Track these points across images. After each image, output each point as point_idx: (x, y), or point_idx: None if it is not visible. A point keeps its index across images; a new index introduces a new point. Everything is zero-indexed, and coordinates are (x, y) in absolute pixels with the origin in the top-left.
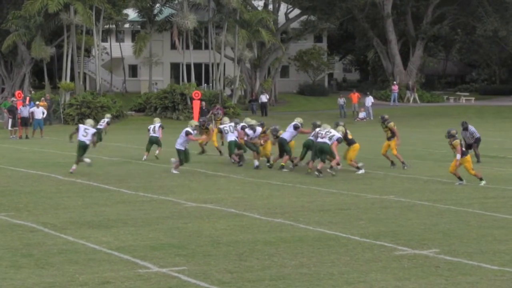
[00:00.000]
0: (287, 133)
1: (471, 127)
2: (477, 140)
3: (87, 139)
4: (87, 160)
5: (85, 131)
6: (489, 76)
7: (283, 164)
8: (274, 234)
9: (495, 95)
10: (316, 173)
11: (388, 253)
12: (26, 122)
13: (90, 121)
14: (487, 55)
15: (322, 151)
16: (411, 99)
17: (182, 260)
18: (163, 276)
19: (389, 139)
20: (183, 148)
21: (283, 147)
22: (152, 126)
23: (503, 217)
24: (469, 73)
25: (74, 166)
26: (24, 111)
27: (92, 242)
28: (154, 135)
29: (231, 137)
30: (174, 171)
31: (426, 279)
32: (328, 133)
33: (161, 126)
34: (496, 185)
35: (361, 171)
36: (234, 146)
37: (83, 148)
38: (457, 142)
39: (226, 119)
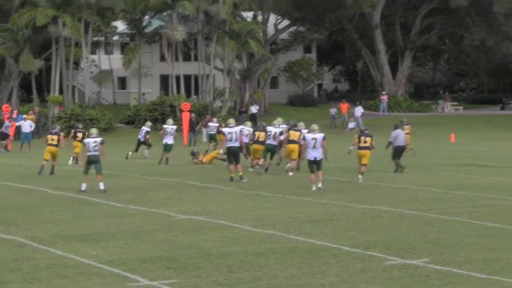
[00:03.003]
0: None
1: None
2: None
3: (97, 152)
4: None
5: (94, 143)
6: (477, 86)
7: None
8: (264, 245)
9: (483, 104)
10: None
11: (378, 263)
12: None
13: (94, 130)
14: (475, 64)
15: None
16: (445, 108)
17: (173, 273)
18: None
19: None
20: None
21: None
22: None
23: (491, 225)
24: (457, 82)
25: (84, 185)
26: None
27: (81, 256)
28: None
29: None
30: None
31: None
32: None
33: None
34: (485, 194)
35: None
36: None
37: (95, 162)
38: None
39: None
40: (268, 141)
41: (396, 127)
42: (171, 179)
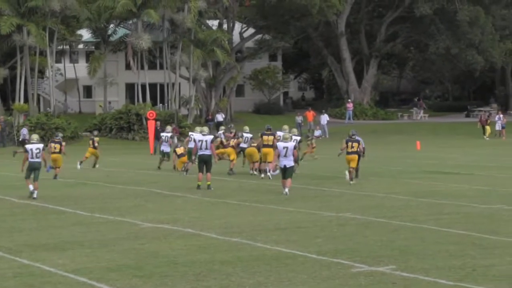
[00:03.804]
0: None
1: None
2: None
3: (39, 159)
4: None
5: (37, 149)
6: (442, 93)
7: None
8: (231, 253)
9: (448, 111)
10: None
11: (345, 271)
12: None
13: (35, 136)
14: (439, 72)
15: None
16: (420, 116)
17: (139, 281)
18: None
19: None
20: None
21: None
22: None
23: (458, 232)
24: (422, 90)
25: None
26: None
27: (47, 265)
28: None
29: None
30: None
31: None
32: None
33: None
34: (451, 201)
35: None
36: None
37: (37, 168)
38: None
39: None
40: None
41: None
42: (137, 188)
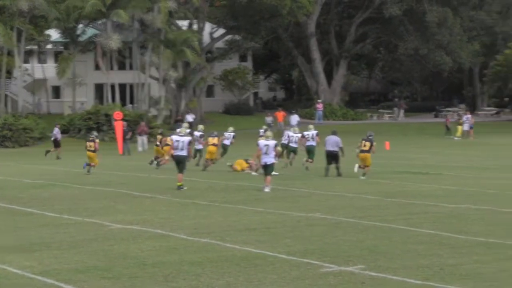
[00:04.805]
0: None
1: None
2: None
3: None
4: None
5: None
6: (411, 94)
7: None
8: (200, 254)
9: (417, 112)
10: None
11: (314, 271)
12: None
13: None
14: (408, 73)
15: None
16: (400, 116)
17: (108, 283)
18: None
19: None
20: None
21: None
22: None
23: (426, 232)
24: (391, 90)
25: None
26: None
27: (14, 267)
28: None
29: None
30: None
31: None
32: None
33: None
34: (420, 201)
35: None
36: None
37: None
38: None
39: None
40: (291, 144)
41: (333, 132)
42: (107, 189)
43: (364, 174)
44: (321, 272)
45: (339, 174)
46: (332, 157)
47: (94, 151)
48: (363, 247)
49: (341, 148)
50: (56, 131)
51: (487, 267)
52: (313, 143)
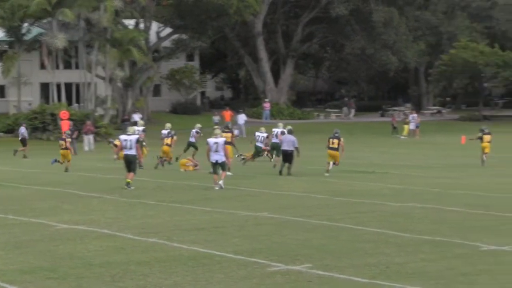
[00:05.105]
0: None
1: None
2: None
3: None
4: None
5: None
6: (358, 93)
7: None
8: (148, 254)
9: (364, 111)
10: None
11: (262, 270)
12: None
13: None
14: (355, 72)
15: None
16: (350, 115)
17: (54, 283)
18: None
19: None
20: None
21: None
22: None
23: (373, 230)
24: (338, 90)
25: None
26: None
27: None
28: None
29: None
30: None
31: None
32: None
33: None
34: (367, 199)
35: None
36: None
37: None
38: None
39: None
40: (257, 143)
41: (289, 131)
42: (54, 189)
43: (327, 171)
44: (268, 271)
45: (289, 174)
46: (287, 156)
47: (66, 149)
48: (310, 246)
49: (296, 148)
50: (23, 130)
51: (433, 265)
52: (277, 140)
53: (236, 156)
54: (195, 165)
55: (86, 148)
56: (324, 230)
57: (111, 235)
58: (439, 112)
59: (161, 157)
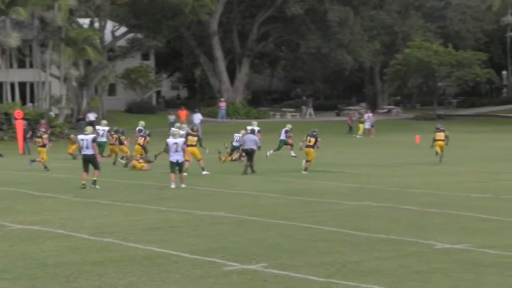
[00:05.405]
0: None
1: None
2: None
3: None
4: None
5: None
6: (313, 92)
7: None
8: (103, 254)
9: (320, 110)
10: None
11: (218, 269)
12: None
13: None
14: (311, 71)
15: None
16: (307, 114)
17: (8, 284)
18: None
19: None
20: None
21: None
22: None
23: (328, 229)
24: (294, 89)
25: None
26: None
27: None
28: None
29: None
30: None
31: None
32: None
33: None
34: (322, 198)
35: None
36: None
37: None
38: None
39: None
40: (233, 143)
41: (252, 131)
42: (7, 189)
43: (306, 169)
44: (224, 271)
45: (252, 171)
46: (249, 154)
47: (44, 146)
48: (266, 245)
49: (259, 147)
50: None
51: (388, 264)
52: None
53: (207, 151)
54: (148, 162)
55: None
56: (280, 229)
57: (66, 235)
58: (389, 111)
59: (132, 156)
